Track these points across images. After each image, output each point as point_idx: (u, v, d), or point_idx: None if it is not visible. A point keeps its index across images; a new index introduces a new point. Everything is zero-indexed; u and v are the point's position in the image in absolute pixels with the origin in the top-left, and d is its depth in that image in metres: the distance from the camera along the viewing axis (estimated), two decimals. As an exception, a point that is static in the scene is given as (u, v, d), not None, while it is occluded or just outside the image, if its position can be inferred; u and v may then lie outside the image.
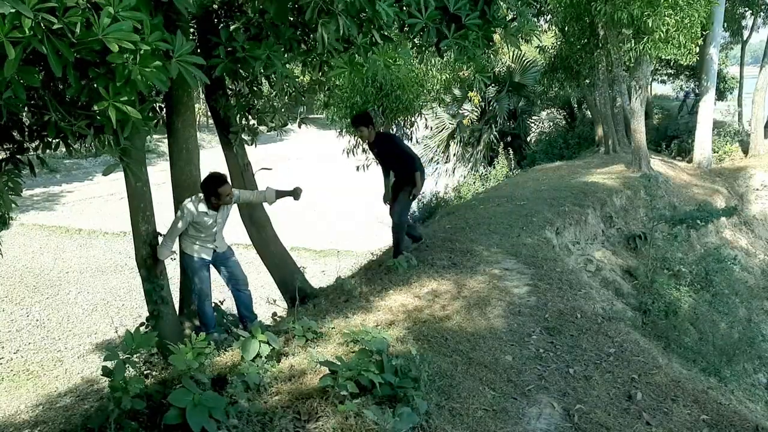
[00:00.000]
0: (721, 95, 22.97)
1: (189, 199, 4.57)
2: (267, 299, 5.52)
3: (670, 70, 24.46)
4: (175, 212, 4.76)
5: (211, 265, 4.92)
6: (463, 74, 15.26)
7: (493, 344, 4.29)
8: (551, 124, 22.25)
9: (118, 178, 4.57)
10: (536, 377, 3.91)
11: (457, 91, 17.62)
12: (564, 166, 13.84)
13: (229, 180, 4.79)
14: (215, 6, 4.79)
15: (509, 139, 18.52)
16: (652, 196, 10.65)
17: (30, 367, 7.88)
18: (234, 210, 5.07)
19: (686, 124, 18.82)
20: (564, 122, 21.86)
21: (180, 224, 4.56)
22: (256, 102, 5.55)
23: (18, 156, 4.15)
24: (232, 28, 4.08)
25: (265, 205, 5.57)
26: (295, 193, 5.08)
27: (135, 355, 3.07)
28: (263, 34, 4.07)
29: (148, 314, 4.68)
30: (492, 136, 17.58)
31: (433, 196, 13.87)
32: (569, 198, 9.60)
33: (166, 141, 5.06)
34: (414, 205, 13.70)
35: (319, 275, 9.18)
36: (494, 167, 16.24)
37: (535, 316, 4.88)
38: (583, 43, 13.00)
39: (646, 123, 13.71)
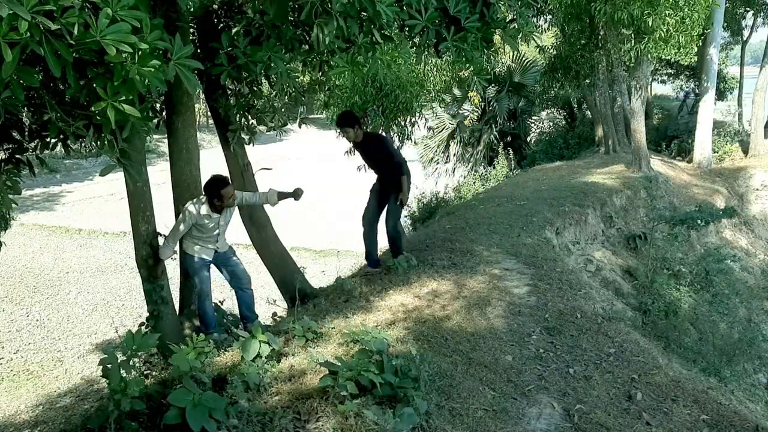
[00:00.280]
0: (721, 95, 22.97)
1: (191, 201, 4.57)
2: (267, 299, 5.52)
3: (670, 70, 24.46)
4: (176, 212, 4.76)
5: (212, 265, 4.93)
6: (463, 74, 15.25)
7: (493, 344, 4.29)
8: (551, 124, 22.24)
9: (118, 178, 4.57)
10: (536, 377, 3.91)
11: (457, 91, 17.62)
12: (564, 166, 13.84)
13: (230, 182, 4.78)
14: (215, 6, 4.79)
15: (509, 139, 18.52)
16: (652, 196, 10.66)
17: (30, 367, 7.88)
18: (234, 210, 5.06)
19: (686, 124, 18.82)
20: (564, 122, 21.85)
21: (182, 227, 4.55)
22: (256, 102, 5.55)
23: (17, 156, 4.15)
24: (233, 31, 4.08)
25: (266, 205, 5.58)
26: (296, 194, 5.06)
27: (134, 356, 3.07)
28: (264, 34, 4.07)
29: (148, 314, 4.67)
30: (492, 136, 17.58)
31: (433, 196, 13.87)
32: (569, 198, 9.60)
33: (166, 141, 5.06)
34: (414, 206, 13.76)
35: (319, 275, 9.17)
36: (494, 167, 16.24)
37: (535, 316, 4.88)
38: (583, 43, 13.00)
39: (646, 123, 13.71)
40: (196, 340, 3.41)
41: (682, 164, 15.84)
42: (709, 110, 15.20)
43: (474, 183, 15.32)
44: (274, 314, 5.48)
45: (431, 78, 11.31)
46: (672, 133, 18.69)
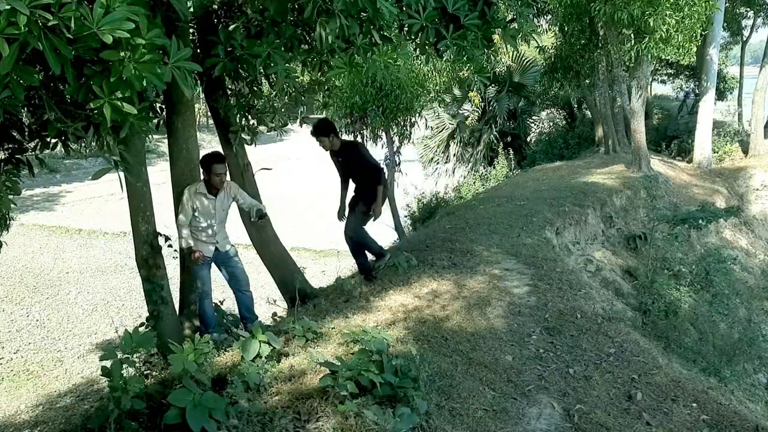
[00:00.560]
0: (721, 95, 22.96)
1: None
2: (267, 299, 5.52)
3: (670, 70, 24.46)
4: (176, 212, 4.76)
5: (213, 264, 4.93)
6: (463, 74, 15.24)
7: (493, 344, 4.29)
8: (551, 124, 22.24)
9: (118, 178, 4.57)
10: (536, 377, 3.91)
11: (457, 91, 17.62)
12: (564, 166, 13.84)
13: (226, 166, 4.78)
14: (215, 6, 4.79)
15: (509, 139, 18.52)
16: (652, 196, 10.66)
17: (30, 367, 7.88)
18: (234, 210, 5.07)
19: (686, 124, 18.82)
20: (564, 122, 21.85)
21: (182, 214, 4.61)
22: (256, 102, 5.54)
23: (17, 156, 4.15)
24: (231, 27, 4.07)
25: (265, 204, 5.58)
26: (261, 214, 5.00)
27: (134, 355, 3.07)
28: (264, 32, 4.07)
29: (148, 314, 4.67)
30: (492, 136, 17.58)
31: (433, 196, 13.87)
32: (569, 198, 9.60)
33: (166, 141, 5.05)
34: (414, 206, 13.77)
35: (319, 275, 9.17)
36: (494, 167, 16.24)
37: (535, 316, 4.88)
38: (583, 43, 13.00)
39: (646, 123, 13.71)
40: (198, 340, 3.40)
41: (682, 164, 15.83)
42: (709, 110, 15.20)
43: (474, 183, 15.33)
44: (274, 314, 5.48)
45: (431, 78, 11.29)
46: (672, 133, 18.69)
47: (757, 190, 14.76)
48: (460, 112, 18.02)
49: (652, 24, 9.57)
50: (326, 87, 6.31)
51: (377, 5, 3.24)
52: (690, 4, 9.61)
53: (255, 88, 5.47)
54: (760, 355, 7.07)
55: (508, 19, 4.59)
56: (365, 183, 5.39)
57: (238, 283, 5.00)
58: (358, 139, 10.57)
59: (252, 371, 3.27)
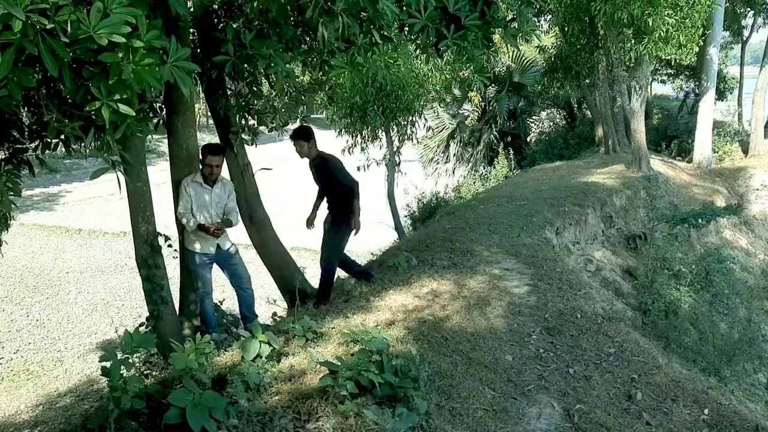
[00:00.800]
0: (721, 95, 22.95)
1: None
2: (267, 299, 5.52)
3: (670, 70, 24.44)
4: (176, 209, 4.77)
5: (214, 264, 4.94)
6: (463, 74, 15.24)
7: (493, 344, 4.29)
8: (551, 124, 22.24)
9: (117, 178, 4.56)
10: (536, 377, 3.91)
11: (457, 91, 17.62)
12: (564, 166, 13.84)
13: (223, 155, 4.81)
14: (215, 6, 4.79)
15: (509, 139, 18.52)
16: (652, 196, 10.66)
17: (30, 367, 7.88)
18: (230, 195, 5.07)
19: (686, 124, 18.82)
20: (564, 122, 21.85)
21: (182, 202, 4.63)
22: (256, 102, 5.54)
23: (18, 156, 4.15)
24: (236, 25, 4.07)
25: (265, 204, 5.58)
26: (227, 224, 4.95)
27: (134, 355, 3.07)
28: (265, 33, 4.07)
29: (148, 314, 4.68)
30: (492, 136, 17.58)
31: (433, 196, 13.87)
32: (569, 198, 9.60)
33: (166, 141, 5.05)
34: (414, 206, 13.77)
35: (319, 275, 9.17)
36: (494, 167, 16.24)
37: (535, 316, 4.88)
38: (583, 43, 13.00)
39: (646, 123, 13.71)
40: (199, 340, 3.40)
41: (682, 164, 15.83)
42: (709, 110, 15.20)
43: (474, 183, 15.32)
44: (274, 314, 5.48)
45: (431, 78, 11.29)
46: (672, 133, 18.68)
47: (757, 190, 14.76)
48: (460, 112, 18.02)
49: (651, 24, 9.57)
50: (327, 87, 6.31)
51: (378, 5, 3.24)
52: (690, 4, 9.61)
53: (255, 88, 5.47)
54: (760, 355, 7.08)
55: (508, 18, 4.58)
56: (335, 199, 5.26)
57: (240, 280, 5.00)
58: (358, 139, 10.57)
59: (252, 371, 3.27)
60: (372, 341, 3.37)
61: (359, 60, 4.01)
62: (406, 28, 4.04)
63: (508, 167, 16.04)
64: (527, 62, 17.99)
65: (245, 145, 5.44)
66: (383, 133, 10.65)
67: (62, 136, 3.71)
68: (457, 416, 3.29)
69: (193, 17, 4.58)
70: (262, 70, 4.43)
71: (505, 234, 7.34)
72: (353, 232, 5.25)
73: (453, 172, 18.21)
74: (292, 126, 5.96)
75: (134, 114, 2.67)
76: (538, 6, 12.49)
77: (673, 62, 16.62)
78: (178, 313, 4.91)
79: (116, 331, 8.70)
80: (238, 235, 5.98)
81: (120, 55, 2.43)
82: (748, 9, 19.66)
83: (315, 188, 5.54)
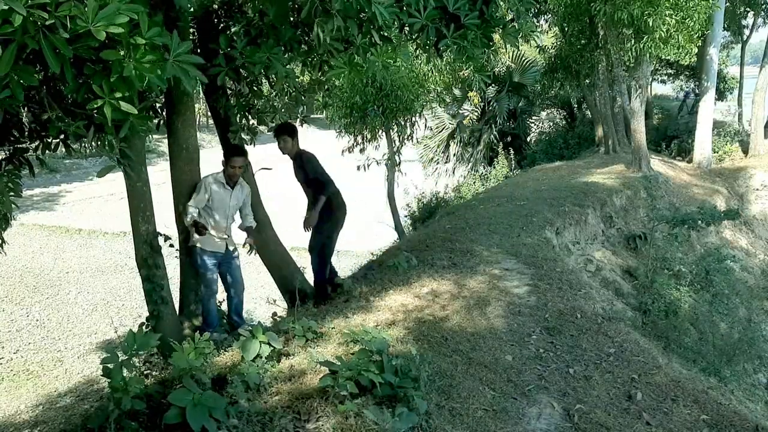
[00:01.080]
0: (721, 95, 22.96)
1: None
2: (267, 299, 5.52)
3: (670, 70, 24.46)
4: (176, 212, 4.77)
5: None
6: (463, 74, 15.24)
7: (493, 344, 4.29)
8: (551, 124, 22.24)
9: (118, 178, 4.56)
10: (536, 377, 3.91)
11: (457, 91, 17.62)
12: (564, 166, 13.84)
13: (246, 160, 4.85)
14: (215, 6, 4.78)
15: (509, 139, 18.52)
16: (652, 196, 10.66)
17: (30, 367, 7.88)
18: (246, 199, 5.11)
19: (686, 124, 18.82)
20: (564, 122, 21.86)
21: (195, 199, 4.65)
22: (256, 102, 5.54)
23: (19, 156, 4.14)
24: (232, 31, 4.07)
25: (265, 204, 5.58)
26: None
27: (135, 355, 3.07)
28: (263, 35, 4.07)
29: (148, 314, 4.68)
30: (492, 136, 17.58)
31: (433, 196, 13.86)
32: (569, 198, 9.60)
33: (166, 141, 5.05)
34: (414, 206, 13.76)
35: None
36: (494, 167, 16.23)
37: (535, 316, 4.88)
38: (583, 43, 13.00)
39: (646, 123, 13.71)
40: (199, 340, 3.40)
41: (682, 164, 15.84)
42: (709, 110, 15.20)
43: (474, 183, 15.32)
44: (274, 314, 5.48)
45: (431, 78, 11.30)
46: (672, 133, 18.69)
47: (757, 190, 14.77)
48: (460, 112, 18.02)
49: (651, 24, 9.57)
50: (326, 87, 6.31)
51: (372, 8, 3.24)
52: (690, 5, 9.61)
53: (255, 88, 5.47)
54: (760, 355, 7.08)
55: (508, 18, 4.58)
56: (309, 196, 5.27)
57: (236, 284, 5.02)
58: (359, 139, 10.57)
59: (252, 371, 3.27)
60: (372, 341, 3.37)
61: (359, 60, 4.01)
62: (406, 28, 4.04)
63: (508, 167, 16.04)
64: (527, 62, 17.98)
65: (245, 145, 5.44)
66: (383, 133, 10.65)
67: (62, 136, 3.72)
68: (457, 416, 3.29)
69: (193, 17, 4.58)
70: (262, 71, 4.43)
71: (505, 234, 7.34)
72: (338, 226, 5.33)
73: (453, 172, 18.21)
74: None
75: (136, 112, 2.67)
76: (538, 6, 12.49)
77: (673, 62, 16.64)
78: (178, 313, 4.91)
79: (116, 331, 8.71)
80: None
81: (122, 52, 2.43)
82: (748, 9, 19.67)
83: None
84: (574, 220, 8.86)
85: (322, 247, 5.39)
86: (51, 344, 8.59)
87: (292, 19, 4.03)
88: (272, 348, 3.55)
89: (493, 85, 17.27)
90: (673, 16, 9.58)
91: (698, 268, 8.58)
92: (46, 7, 2.21)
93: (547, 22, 16.26)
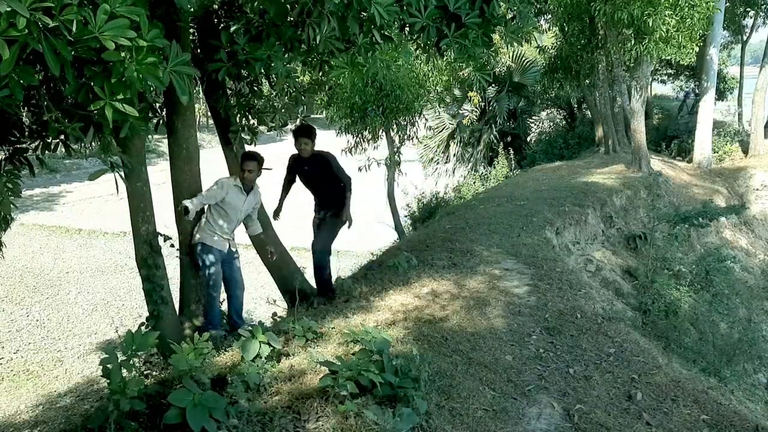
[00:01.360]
0: (721, 95, 22.97)
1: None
2: (267, 299, 5.51)
3: (670, 70, 24.47)
4: (176, 212, 4.77)
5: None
6: (463, 74, 15.24)
7: (493, 344, 4.29)
8: (551, 124, 22.24)
9: (119, 178, 4.56)
10: (536, 377, 3.91)
11: (457, 91, 17.61)
12: (564, 166, 13.84)
13: (261, 164, 4.88)
14: (215, 6, 4.78)
15: (509, 139, 18.52)
16: (652, 196, 10.66)
17: (30, 367, 7.88)
18: (256, 205, 5.13)
19: (686, 124, 18.83)
20: (564, 122, 21.85)
21: (207, 193, 4.70)
22: (256, 102, 5.54)
23: (18, 157, 4.14)
24: (232, 29, 4.07)
25: (265, 204, 5.58)
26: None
27: (134, 356, 3.07)
28: (264, 34, 4.07)
29: (148, 314, 4.67)
30: (492, 136, 17.57)
31: (433, 196, 13.86)
32: (569, 198, 9.60)
33: (166, 141, 5.05)
34: (414, 206, 13.76)
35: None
36: (494, 167, 16.23)
37: (535, 316, 4.88)
38: (583, 43, 13.00)
39: (646, 123, 13.71)
40: (199, 339, 3.40)
41: (682, 164, 15.84)
42: (709, 110, 15.20)
43: (474, 183, 15.32)
44: (274, 314, 5.48)
45: (431, 78, 11.29)
46: (672, 133, 18.69)
47: (757, 190, 14.77)
48: (460, 112, 18.02)
49: (651, 24, 9.57)
50: (327, 87, 6.31)
51: (371, 9, 3.24)
52: (690, 5, 9.61)
53: (255, 88, 5.47)
54: (760, 355, 7.07)
55: (508, 17, 4.58)
56: (331, 194, 5.38)
57: (236, 284, 5.02)
58: (359, 139, 10.57)
59: (252, 371, 3.27)
60: (372, 341, 3.37)
61: (359, 60, 4.01)
62: (407, 28, 4.04)
63: (508, 167, 16.03)
64: (527, 62, 17.97)
65: (245, 145, 5.44)
66: (383, 133, 10.65)
67: (62, 136, 3.71)
68: (457, 416, 3.28)
69: (194, 17, 4.58)
70: (263, 71, 4.43)
71: (505, 234, 7.34)
72: (347, 225, 5.38)
73: (453, 172, 18.20)
74: (292, 126, 5.97)
75: (137, 114, 2.67)
76: (537, 6, 12.49)
77: (673, 62, 16.64)
78: (178, 313, 4.90)
79: (116, 331, 8.71)
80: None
81: (123, 54, 2.43)
82: (748, 9, 19.67)
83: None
84: (574, 220, 8.86)
85: (327, 243, 5.45)
86: (51, 344, 8.59)
87: (291, 18, 4.03)
88: (272, 348, 3.54)
89: (493, 85, 17.26)
90: (673, 17, 9.58)
91: (698, 268, 8.57)
92: (50, 11, 2.22)
93: (547, 22, 16.25)
